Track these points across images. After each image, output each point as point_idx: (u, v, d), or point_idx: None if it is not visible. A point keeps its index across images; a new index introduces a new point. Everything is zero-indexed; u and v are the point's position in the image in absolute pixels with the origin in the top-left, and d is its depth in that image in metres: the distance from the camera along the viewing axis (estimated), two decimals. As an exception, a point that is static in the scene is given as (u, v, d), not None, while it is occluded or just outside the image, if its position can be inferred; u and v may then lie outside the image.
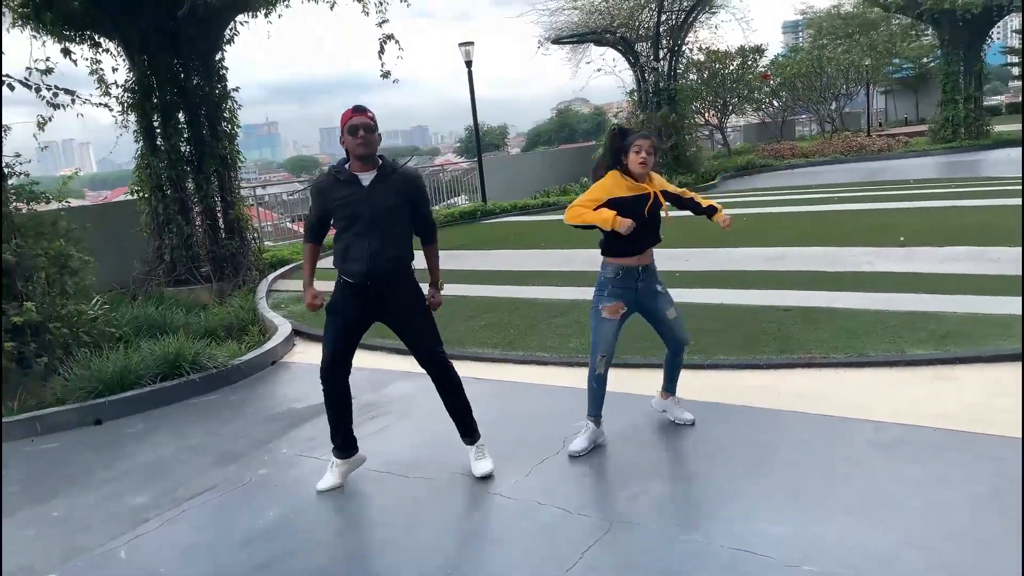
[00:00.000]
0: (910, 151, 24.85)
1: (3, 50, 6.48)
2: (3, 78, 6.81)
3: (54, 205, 7.23)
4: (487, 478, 4.09)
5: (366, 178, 3.92)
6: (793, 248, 9.45)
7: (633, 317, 4.36)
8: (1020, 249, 7.61)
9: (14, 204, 6.66)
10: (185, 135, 10.64)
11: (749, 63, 27.57)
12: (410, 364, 6.05)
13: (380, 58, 10.85)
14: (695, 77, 25.15)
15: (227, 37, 11.03)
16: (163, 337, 6.81)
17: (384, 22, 10.84)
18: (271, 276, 11.01)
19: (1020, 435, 3.85)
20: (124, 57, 10.44)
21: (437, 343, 4.16)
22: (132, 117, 10.48)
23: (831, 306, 6.63)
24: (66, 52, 9.93)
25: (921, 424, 4.20)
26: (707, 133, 29.50)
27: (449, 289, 8.95)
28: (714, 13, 22.03)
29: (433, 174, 22.53)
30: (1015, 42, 39.33)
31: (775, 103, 33.55)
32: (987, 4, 22.42)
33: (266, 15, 11.50)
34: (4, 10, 10.05)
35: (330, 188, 3.99)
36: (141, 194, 10.71)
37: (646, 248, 4.22)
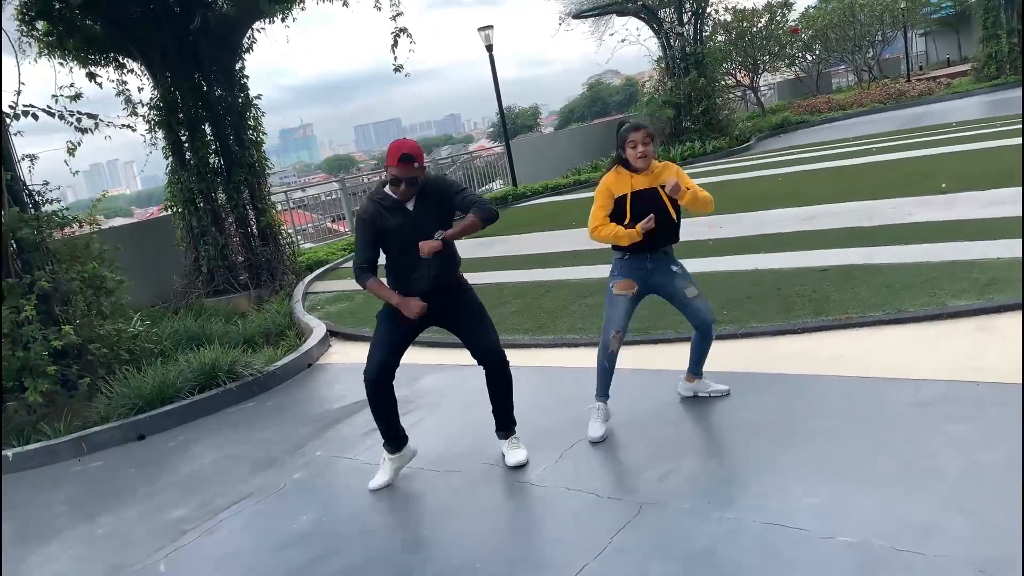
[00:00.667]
0: (952, 93, 23.98)
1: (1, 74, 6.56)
2: (26, 107, 6.94)
3: (88, 228, 7.38)
4: (520, 467, 4.05)
5: (408, 204, 3.89)
6: (829, 205, 9.17)
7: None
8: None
9: (48, 231, 6.80)
10: (212, 147, 10.75)
11: (778, 18, 26.87)
12: (439, 357, 6.12)
13: (393, 52, 10.83)
14: (723, 38, 24.59)
15: (245, 46, 11.08)
16: (202, 349, 6.92)
17: (398, 15, 10.82)
18: (307, 279, 11.12)
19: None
20: (148, 75, 10.60)
21: (495, 337, 4.12)
22: (160, 133, 10.65)
23: (869, 263, 6.41)
24: (91, 76, 10.12)
25: (963, 379, 4.03)
26: (740, 94, 28.86)
27: (481, 276, 9.02)
28: (737, -30, 21.50)
29: (468, 162, 22.56)
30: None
31: (808, 57, 32.68)
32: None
33: (282, 19, 11.56)
34: (31, 41, 10.33)
35: (374, 210, 3.91)
36: (175, 208, 10.87)
37: (660, 246, 4.11)
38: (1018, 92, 21.16)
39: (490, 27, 17.38)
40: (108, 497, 4.85)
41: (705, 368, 4.50)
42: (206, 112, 10.56)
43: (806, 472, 3.46)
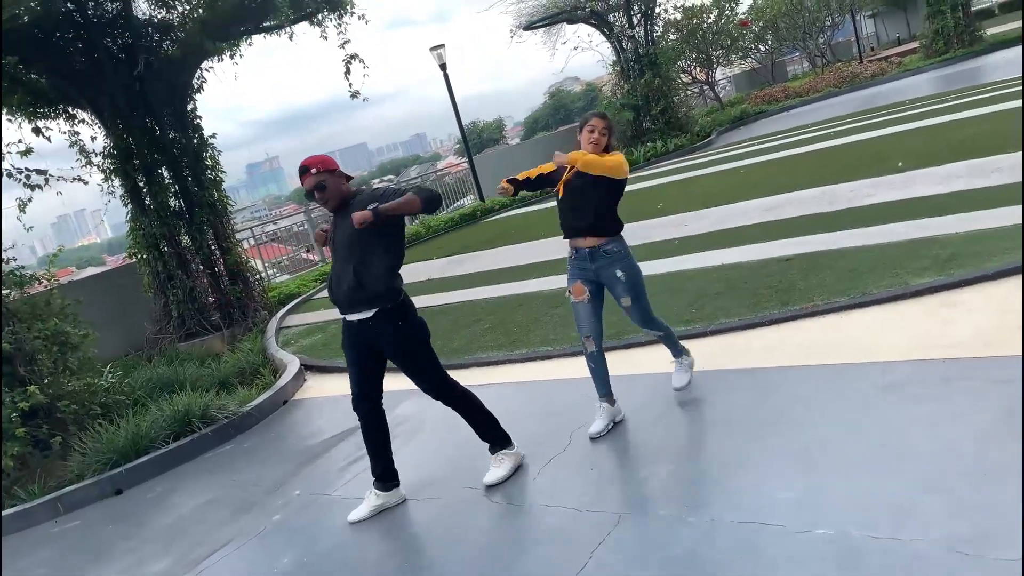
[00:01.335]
0: (904, 71, 24.35)
1: None
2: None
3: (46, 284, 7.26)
4: (494, 487, 4.02)
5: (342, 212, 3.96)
6: (791, 193, 9.25)
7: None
8: (1021, 155, 7.37)
9: (6, 291, 6.69)
10: (171, 190, 10.63)
11: (727, 12, 27.18)
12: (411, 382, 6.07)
13: (347, 79, 10.84)
14: (674, 37, 24.83)
15: (195, 86, 11.01)
16: (176, 395, 6.82)
17: (346, 43, 10.81)
18: (280, 313, 11.03)
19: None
20: (99, 124, 10.48)
21: (428, 378, 4.06)
22: (117, 181, 10.52)
23: (832, 248, 6.46)
24: (37, 131, 9.98)
25: (929, 357, 4.06)
26: (697, 91, 29.13)
27: (452, 296, 9.00)
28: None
29: (437, 180, 22.66)
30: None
31: (761, 48, 33.07)
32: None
33: (231, 56, 11.50)
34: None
35: (329, 235, 4.11)
36: (139, 255, 10.75)
37: (574, 228, 4.20)
38: (968, 65, 21.55)
39: (441, 46, 17.41)
40: (87, 558, 4.75)
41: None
42: (161, 156, 10.45)
43: (780, 466, 3.46)
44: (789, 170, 11.27)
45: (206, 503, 5.09)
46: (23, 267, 6.88)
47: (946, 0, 24.31)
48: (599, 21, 21.16)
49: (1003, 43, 23.15)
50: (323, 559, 3.90)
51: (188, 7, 10.29)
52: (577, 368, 5.15)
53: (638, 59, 20.63)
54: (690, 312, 5.89)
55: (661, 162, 18.53)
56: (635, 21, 20.71)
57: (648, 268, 7.47)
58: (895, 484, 3.06)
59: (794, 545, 2.87)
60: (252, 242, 15.30)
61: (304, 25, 10.95)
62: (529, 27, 21.73)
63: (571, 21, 21.67)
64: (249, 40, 11.46)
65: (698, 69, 28.52)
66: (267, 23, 10.90)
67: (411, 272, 11.79)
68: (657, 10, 21.35)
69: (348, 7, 10.66)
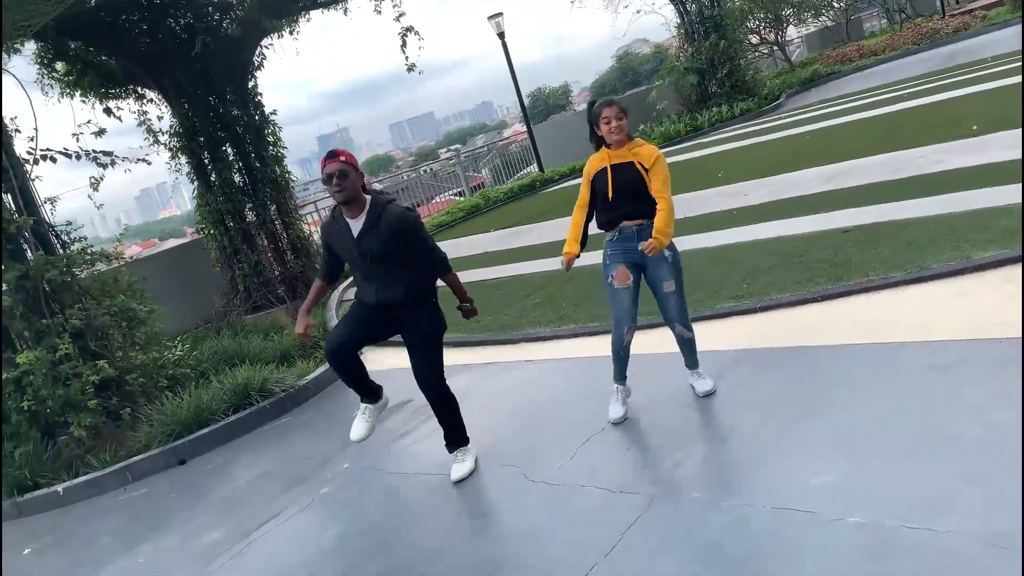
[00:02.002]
0: (989, 25, 22.99)
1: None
2: (44, 152, 7.13)
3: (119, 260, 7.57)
4: (462, 481, 4.16)
5: (356, 225, 3.96)
6: (856, 160, 8.90)
7: None
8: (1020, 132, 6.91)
9: (77, 269, 6.98)
10: (235, 167, 10.93)
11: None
12: (461, 357, 6.15)
13: (403, 52, 10.86)
14: (741, -3, 24.03)
15: (256, 64, 11.23)
16: (237, 368, 7.05)
17: (401, 15, 10.83)
18: (342, 286, 11.24)
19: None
20: (165, 103, 10.82)
21: (430, 370, 4.14)
22: (183, 159, 10.86)
23: (894, 219, 6.21)
24: (108, 111, 10.37)
25: (985, 337, 3.88)
26: (766, 52, 28.17)
27: (506, 269, 9.01)
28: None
29: (503, 148, 22.80)
30: None
31: (836, 4, 31.67)
32: None
33: (290, 33, 11.68)
34: (52, 83, 10.63)
35: (329, 228, 4.11)
36: (207, 230, 11.10)
37: (626, 215, 4.08)
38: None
39: (499, 14, 17.26)
40: (149, 525, 4.99)
41: (725, 347, 4.44)
42: (225, 133, 10.73)
43: (819, 450, 3.38)
44: (857, 135, 10.83)
45: (260, 476, 5.27)
46: (90, 245, 7.14)
47: (1038, -54, 22.79)
48: (663, -18, 20.62)
49: (1100, -8, 21.59)
50: (365, 533, 4.01)
51: (246, -14, 10.46)
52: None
53: (703, 21, 20.04)
54: (741, 288, 5.77)
55: (726, 127, 18.04)
56: (699, -19, 20.07)
57: (701, 241, 7.39)
58: (935, 473, 2.96)
59: (826, 533, 2.81)
60: (316, 216, 15.60)
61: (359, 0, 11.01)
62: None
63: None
64: (307, 16, 11.61)
65: (767, 29, 27.54)
66: (322, -1, 11.01)
67: (467, 246, 11.87)
68: (723, -31, 20.65)
69: (402, -20, 10.66)
